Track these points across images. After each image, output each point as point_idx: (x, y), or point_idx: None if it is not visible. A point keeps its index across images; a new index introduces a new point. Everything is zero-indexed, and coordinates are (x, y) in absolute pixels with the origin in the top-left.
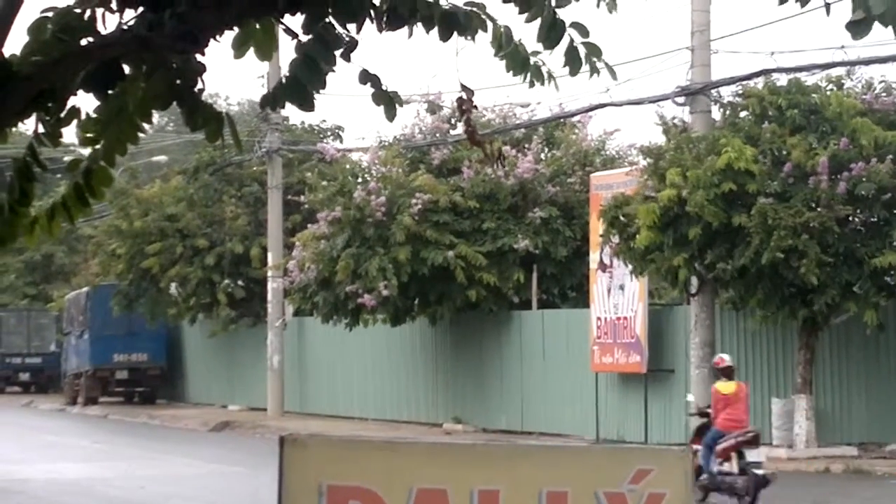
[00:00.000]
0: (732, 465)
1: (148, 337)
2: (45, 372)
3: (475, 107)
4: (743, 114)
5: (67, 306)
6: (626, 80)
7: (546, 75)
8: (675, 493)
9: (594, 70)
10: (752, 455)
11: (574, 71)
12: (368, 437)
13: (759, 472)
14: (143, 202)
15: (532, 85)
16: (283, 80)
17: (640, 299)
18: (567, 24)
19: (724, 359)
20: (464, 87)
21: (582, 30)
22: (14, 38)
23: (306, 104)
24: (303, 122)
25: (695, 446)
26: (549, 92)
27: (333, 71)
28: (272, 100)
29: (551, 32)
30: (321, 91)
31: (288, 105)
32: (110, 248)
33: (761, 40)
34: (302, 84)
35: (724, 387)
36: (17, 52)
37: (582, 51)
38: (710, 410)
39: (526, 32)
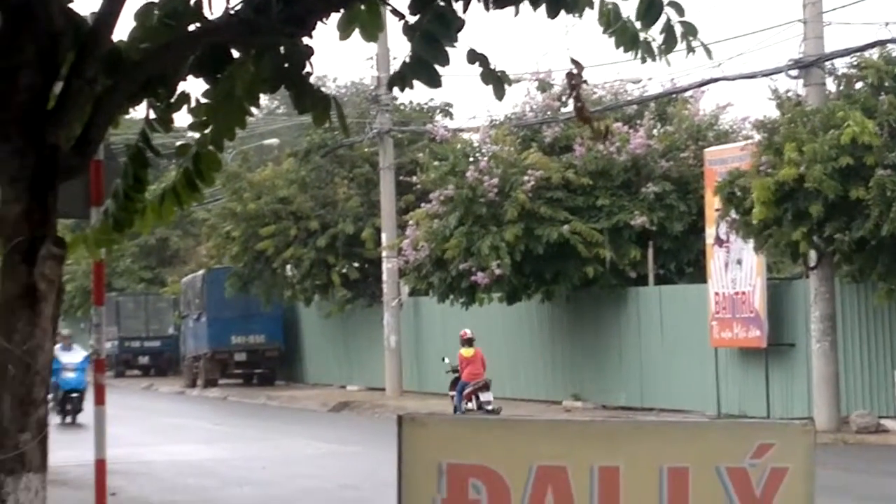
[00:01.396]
0: (473, 404)
1: (265, 319)
2: (164, 355)
3: (585, 82)
4: (858, 85)
5: (184, 289)
6: (738, 53)
7: (657, 51)
8: (798, 468)
9: (690, 49)
10: (484, 396)
11: (669, 49)
12: (487, 415)
13: (489, 407)
14: (256, 185)
15: (644, 61)
16: (408, 60)
17: (759, 274)
18: (665, 3)
19: (467, 332)
20: (574, 62)
21: (679, 9)
22: (121, 24)
23: (433, 81)
24: (411, 102)
25: (451, 392)
26: (660, 67)
27: (455, 47)
28: (400, 80)
29: (650, 11)
30: (446, 66)
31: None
32: (224, 231)
33: (874, 11)
34: (427, 62)
35: (466, 352)
36: (125, 38)
37: (678, 30)
38: (458, 368)
39: (627, 9)
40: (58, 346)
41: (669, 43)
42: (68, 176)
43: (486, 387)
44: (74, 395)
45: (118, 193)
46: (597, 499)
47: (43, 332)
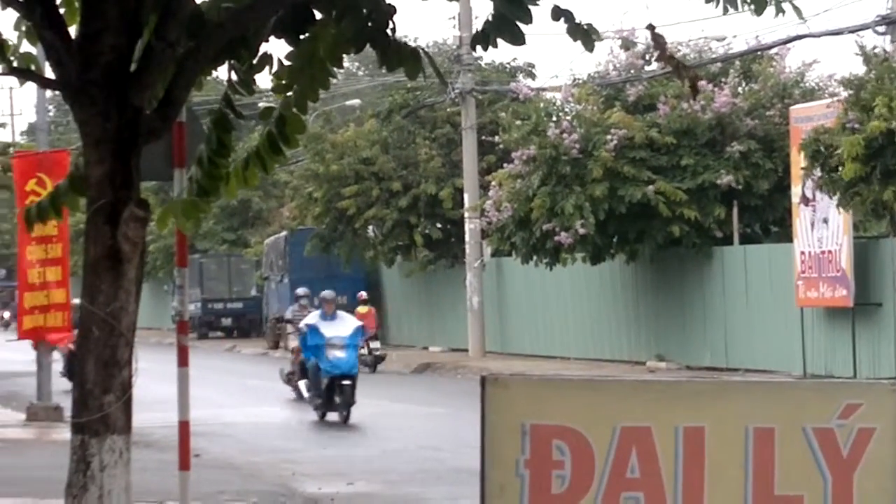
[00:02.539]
0: (365, 350)
1: (347, 279)
2: (247, 317)
3: (664, 44)
4: None
5: (266, 251)
6: (824, 10)
7: (740, 1)
8: (885, 428)
9: (779, 10)
10: (373, 344)
11: (759, 11)
12: (570, 376)
13: (377, 353)
14: (338, 146)
15: (725, 11)
16: (491, 18)
17: (845, 232)
18: None
19: (363, 294)
20: (652, 32)
21: None
22: None
23: (517, 39)
24: (493, 62)
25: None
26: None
27: (537, 4)
28: (483, 38)
29: None
30: (529, 24)
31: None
32: (307, 192)
33: None
34: (510, 20)
35: (362, 309)
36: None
37: None
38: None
39: None
40: (316, 313)
41: (759, 5)
42: (151, 138)
43: (374, 337)
44: (346, 382)
45: (202, 159)
46: (681, 459)
47: (126, 294)
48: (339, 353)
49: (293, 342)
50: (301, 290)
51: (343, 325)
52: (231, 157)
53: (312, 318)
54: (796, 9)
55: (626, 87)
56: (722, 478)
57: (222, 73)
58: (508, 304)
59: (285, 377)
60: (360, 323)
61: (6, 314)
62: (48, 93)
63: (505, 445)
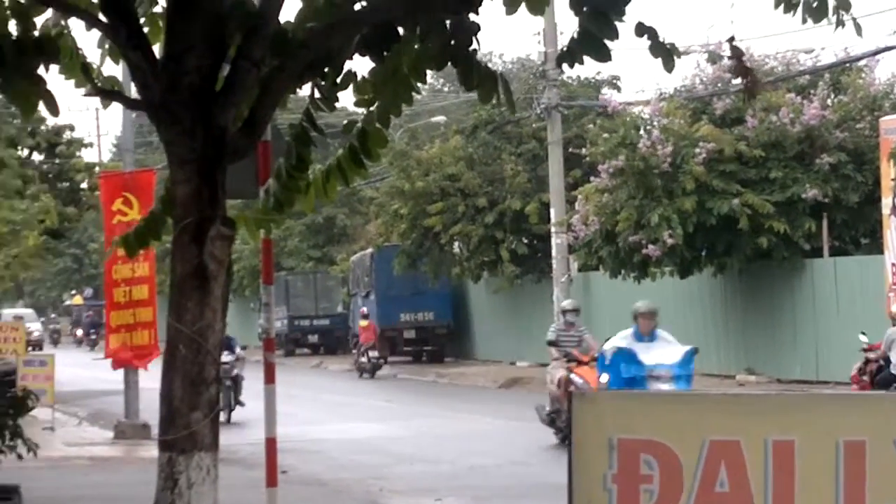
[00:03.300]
0: (365, 359)
1: (433, 296)
2: (334, 333)
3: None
4: None
5: (352, 268)
6: None
7: (829, 10)
8: None
9: (840, 22)
10: (372, 353)
11: (817, 19)
12: (658, 390)
13: (376, 361)
14: (424, 163)
15: (804, 20)
16: (576, 35)
17: None
18: None
19: (364, 310)
20: (732, 47)
21: None
22: (287, 5)
23: (602, 55)
24: (579, 77)
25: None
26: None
27: (622, 21)
28: (569, 55)
29: None
30: (615, 40)
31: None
32: (392, 208)
33: None
34: (596, 36)
35: (363, 323)
36: (292, 19)
37: (831, 3)
38: None
39: None
40: (627, 333)
41: (818, 14)
42: (237, 157)
43: (373, 347)
44: None
45: (280, 173)
46: (771, 472)
47: (213, 312)
48: (664, 388)
49: (559, 371)
50: (568, 304)
51: (667, 350)
52: (309, 171)
53: (623, 339)
54: (856, 24)
55: (713, 101)
56: (812, 491)
57: (304, 90)
58: (596, 319)
59: (547, 417)
60: (689, 347)
61: (91, 333)
62: (134, 113)
63: (593, 460)
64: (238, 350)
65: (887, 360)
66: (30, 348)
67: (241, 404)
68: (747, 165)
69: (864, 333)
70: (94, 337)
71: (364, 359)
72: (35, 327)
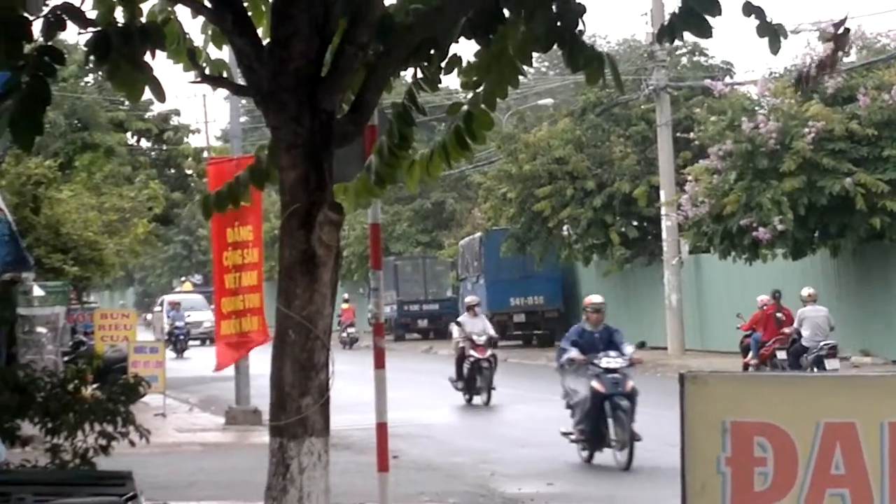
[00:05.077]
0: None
1: (543, 280)
2: (443, 318)
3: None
4: None
5: (461, 252)
6: None
7: None
8: None
9: None
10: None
11: None
12: (772, 372)
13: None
14: (532, 146)
15: None
16: (678, 11)
17: None
18: None
19: (346, 295)
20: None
21: None
22: None
23: (704, 31)
24: (691, 53)
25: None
26: None
27: None
28: (669, 31)
29: None
30: (717, 16)
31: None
32: (500, 192)
33: None
34: (697, 13)
35: (344, 305)
36: (397, 3)
37: None
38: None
39: None
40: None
41: None
42: (344, 141)
43: (352, 325)
44: None
45: (382, 150)
46: (887, 455)
47: (322, 298)
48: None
49: None
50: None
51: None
52: (413, 152)
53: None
54: None
55: (824, 80)
56: None
57: (409, 71)
58: (708, 301)
59: None
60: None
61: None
62: (241, 99)
63: (706, 443)
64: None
65: (800, 335)
66: (197, 342)
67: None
68: (859, 144)
69: (738, 315)
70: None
71: (344, 334)
72: (205, 317)
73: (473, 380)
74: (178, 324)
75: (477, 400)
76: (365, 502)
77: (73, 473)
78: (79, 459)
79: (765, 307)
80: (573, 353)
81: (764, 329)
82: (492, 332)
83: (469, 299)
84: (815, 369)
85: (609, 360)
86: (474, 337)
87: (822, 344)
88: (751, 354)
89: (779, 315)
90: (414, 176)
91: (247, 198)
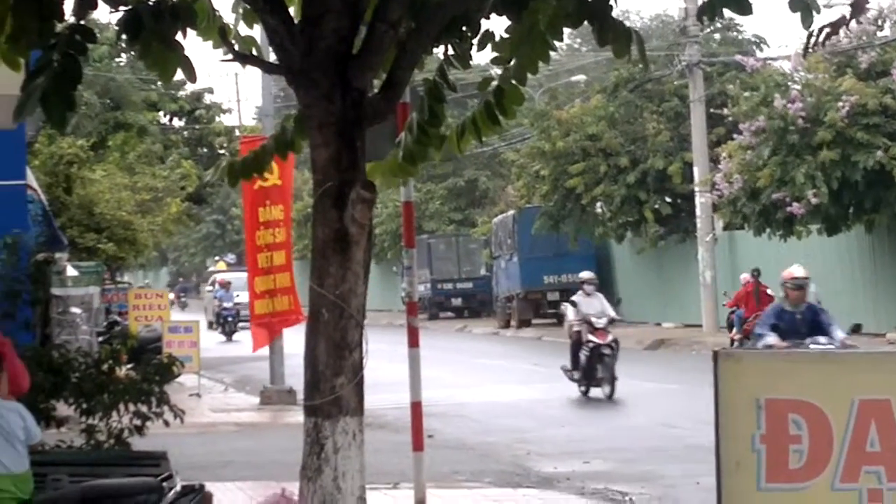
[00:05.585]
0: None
1: (576, 257)
2: (477, 296)
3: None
4: None
5: (494, 230)
6: None
7: None
8: None
9: None
10: None
11: None
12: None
13: None
14: (564, 123)
15: None
16: None
17: None
18: None
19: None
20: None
21: None
22: None
23: (744, 8)
24: (722, 27)
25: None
26: None
27: None
28: (709, 8)
29: None
30: None
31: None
32: (533, 170)
33: None
34: None
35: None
36: None
37: None
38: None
39: None
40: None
41: None
42: (375, 119)
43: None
44: None
45: (412, 127)
46: None
47: (355, 276)
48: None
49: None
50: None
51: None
52: (441, 127)
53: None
54: None
55: (857, 55)
56: None
57: (440, 48)
58: (742, 278)
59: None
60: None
61: (182, 296)
62: (274, 78)
63: (740, 421)
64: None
65: None
66: (248, 325)
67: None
68: (893, 118)
69: (724, 294)
70: (183, 299)
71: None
72: None
73: (593, 369)
74: (226, 304)
75: (596, 392)
76: (400, 482)
77: (109, 454)
78: (114, 440)
79: (746, 284)
80: (771, 338)
81: (745, 305)
82: (612, 312)
83: (584, 275)
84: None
85: (818, 348)
86: (592, 319)
87: None
88: (734, 330)
89: (769, 292)
90: (444, 149)
91: (271, 167)
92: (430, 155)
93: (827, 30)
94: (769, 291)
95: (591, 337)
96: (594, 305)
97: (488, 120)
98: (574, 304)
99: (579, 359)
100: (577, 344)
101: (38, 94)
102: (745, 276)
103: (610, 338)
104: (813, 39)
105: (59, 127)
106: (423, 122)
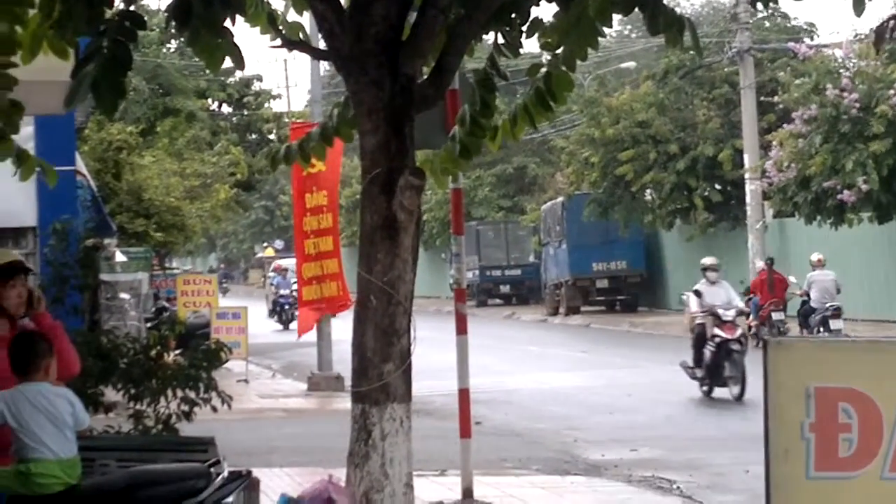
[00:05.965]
0: None
1: (626, 244)
2: (526, 283)
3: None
4: None
5: (543, 217)
6: None
7: None
8: None
9: None
10: None
11: None
12: (857, 337)
13: None
14: (614, 110)
15: None
16: None
17: None
18: None
19: None
20: None
21: None
22: None
23: None
24: (773, 16)
25: None
26: None
27: None
28: None
29: None
30: None
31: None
32: (583, 157)
33: None
34: None
35: None
36: None
37: None
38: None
39: None
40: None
41: None
42: (424, 106)
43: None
44: None
45: (465, 119)
46: None
47: (403, 263)
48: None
49: None
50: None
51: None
52: (494, 118)
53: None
54: None
55: None
56: None
57: (488, 37)
58: (792, 266)
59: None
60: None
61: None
62: (323, 64)
63: (789, 409)
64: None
65: (809, 297)
66: None
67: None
68: None
69: (741, 282)
70: (224, 285)
71: None
72: None
73: (719, 367)
74: (282, 292)
75: (722, 393)
76: (447, 469)
77: (157, 439)
78: (161, 425)
79: (760, 272)
80: None
81: (760, 293)
82: (739, 303)
83: (707, 261)
84: (822, 329)
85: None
86: (719, 311)
87: (828, 305)
88: (751, 317)
89: (792, 279)
90: (497, 138)
91: (320, 154)
92: (483, 147)
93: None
94: (791, 279)
95: (717, 331)
96: (720, 295)
97: (540, 106)
98: (698, 293)
99: (703, 355)
100: (700, 338)
101: (89, 82)
102: (760, 265)
103: (739, 332)
104: (887, 35)
105: (109, 114)
106: (476, 113)
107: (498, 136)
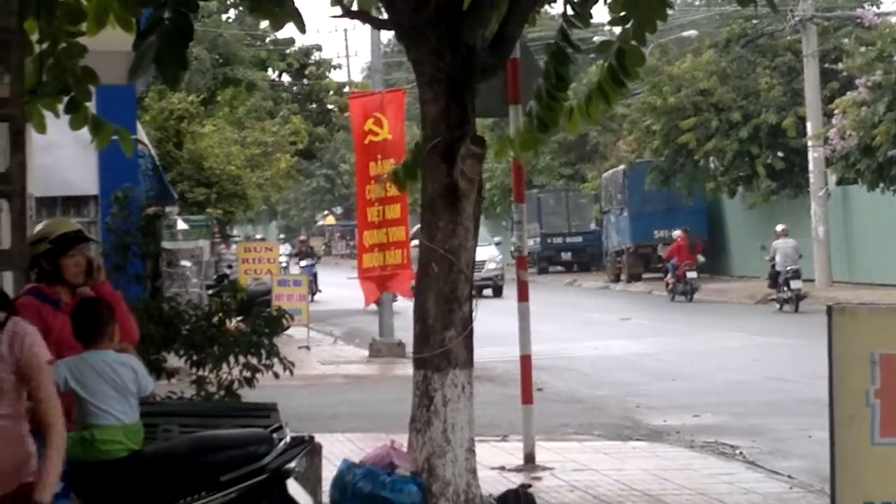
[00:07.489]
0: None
1: (687, 212)
2: (587, 251)
3: None
4: None
5: (605, 185)
6: None
7: None
8: None
9: None
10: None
11: None
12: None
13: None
14: (676, 78)
15: None
16: None
17: None
18: None
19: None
20: None
21: None
22: None
23: None
24: None
25: None
26: None
27: None
28: None
29: None
30: None
31: None
32: (645, 125)
33: None
34: None
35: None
36: None
37: None
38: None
39: None
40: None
41: None
42: (485, 75)
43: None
44: None
45: (541, 93)
46: None
47: (465, 231)
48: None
49: None
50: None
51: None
52: (569, 90)
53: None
54: None
55: None
56: None
57: (555, 8)
58: (856, 233)
59: None
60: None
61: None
62: (383, 34)
63: (854, 375)
64: None
65: (774, 262)
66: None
67: None
68: None
69: (762, 247)
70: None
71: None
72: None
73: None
74: (302, 263)
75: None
76: (509, 434)
77: (219, 405)
78: (224, 391)
79: (679, 239)
80: None
81: (678, 256)
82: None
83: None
84: (786, 288)
85: None
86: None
87: (789, 268)
88: (669, 275)
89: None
90: (575, 120)
91: (380, 121)
92: (559, 120)
93: None
94: (763, 248)
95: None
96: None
97: (614, 83)
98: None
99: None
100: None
101: (152, 54)
102: (678, 233)
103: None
104: None
105: (173, 85)
106: (550, 86)
107: (574, 117)
